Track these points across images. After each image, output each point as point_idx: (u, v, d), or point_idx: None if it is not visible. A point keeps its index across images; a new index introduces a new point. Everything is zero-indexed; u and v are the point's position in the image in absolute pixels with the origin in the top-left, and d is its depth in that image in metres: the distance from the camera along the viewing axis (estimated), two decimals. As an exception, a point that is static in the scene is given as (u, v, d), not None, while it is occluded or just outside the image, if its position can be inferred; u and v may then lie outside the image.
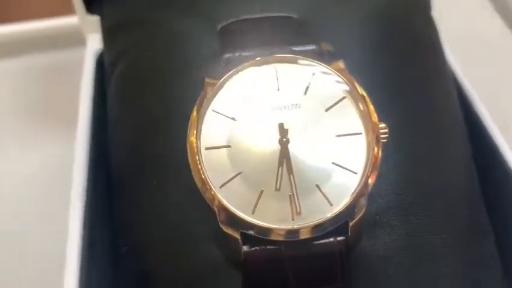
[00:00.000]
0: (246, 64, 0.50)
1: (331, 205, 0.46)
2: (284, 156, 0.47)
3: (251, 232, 0.45)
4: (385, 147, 0.48)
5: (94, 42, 0.73)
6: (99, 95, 0.67)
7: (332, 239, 0.45)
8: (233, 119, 0.48)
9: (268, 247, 0.45)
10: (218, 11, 0.59)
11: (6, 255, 0.71)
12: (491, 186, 0.59)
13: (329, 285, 0.46)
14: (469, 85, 0.66)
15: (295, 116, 0.48)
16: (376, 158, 0.47)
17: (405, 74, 0.60)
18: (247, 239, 0.45)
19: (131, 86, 0.61)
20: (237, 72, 0.50)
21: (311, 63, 0.50)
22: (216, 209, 0.46)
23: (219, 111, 0.49)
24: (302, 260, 0.45)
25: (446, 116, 0.60)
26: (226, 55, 0.51)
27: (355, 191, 0.46)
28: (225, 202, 0.45)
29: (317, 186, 0.46)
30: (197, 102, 0.49)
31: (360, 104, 0.49)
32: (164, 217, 0.53)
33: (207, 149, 0.47)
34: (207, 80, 0.50)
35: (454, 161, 0.57)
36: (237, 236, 0.45)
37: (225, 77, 0.49)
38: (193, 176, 0.47)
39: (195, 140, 0.47)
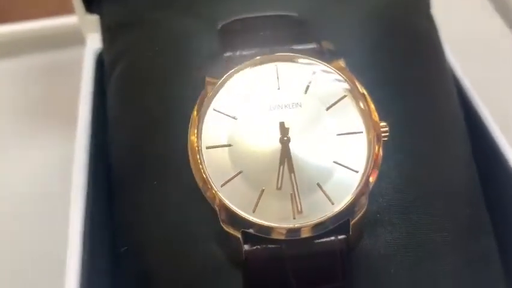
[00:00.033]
0: (246, 63, 0.50)
1: (332, 204, 0.46)
2: (285, 155, 0.47)
3: (252, 231, 0.45)
4: (386, 146, 0.48)
5: (94, 42, 0.73)
6: (99, 95, 0.67)
7: (333, 238, 0.45)
8: (234, 118, 0.48)
9: (270, 246, 0.45)
10: (218, 11, 0.59)
11: (6, 255, 0.71)
12: (491, 185, 0.59)
13: (330, 284, 0.46)
14: (469, 84, 0.66)
15: (296, 114, 0.48)
16: (377, 156, 0.47)
17: (405, 74, 0.60)
18: (248, 238, 0.45)
19: (131, 85, 0.61)
20: (238, 71, 0.50)
21: (312, 61, 0.50)
22: (217, 208, 0.46)
23: (220, 111, 0.49)
24: (303, 259, 0.45)
25: (447, 115, 0.60)
26: (227, 54, 0.51)
27: (356, 189, 0.46)
28: (226, 201, 0.46)
29: (318, 185, 0.46)
30: (198, 101, 0.49)
31: (360, 102, 0.49)
32: (164, 217, 0.53)
33: (208, 148, 0.47)
34: (207, 79, 0.50)
35: (455, 159, 0.57)
36: (238, 235, 0.45)
37: (226, 76, 0.49)
38: (194, 175, 0.47)
39: (195, 139, 0.47)
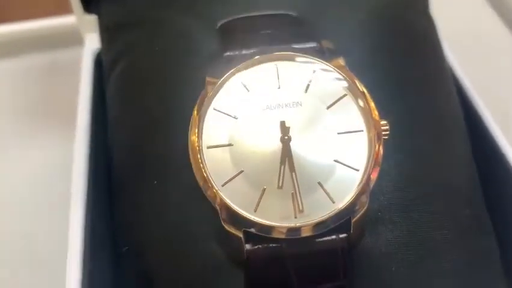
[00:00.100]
0: (246, 62, 0.50)
1: (333, 202, 0.46)
2: (286, 154, 0.47)
3: (253, 230, 0.45)
4: (386, 146, 0.48)
5: (92, 42, 0.73)
6: (98, 95, 0.67)
7: (334, 236, 0.45)
8: (234, 117, 0.48)
9: (271, 245, 0.45)
10: (218, 11, 0.59)
11: (6, 255, 0.71)
12: (491, 184, 0.59)
13: (331, 283, 0.46)
14: (469, 84, 0.66)
15: (297, 114, 0.48)
16: (377, 155, 0.47)
17: (405, 74, 0.60)
18: (249, 237, 0.45)
19: (131, 85, 0.61)
20: (238, 70, 0.50)
21: (311, 60, 0.50)
22: (218, 208, 0.46)
23: (220, 110, 0.49)
24: (305, 258, 0.46)
25: (447, 114, 0.60)
26: (227, 54, 0.51)
27: (357, 188, 0.46)
28: (228, 200, 0.46)
29: (319, 183, 0.46)
30: (198, 101, 0.49)
31: (360, 100, 0.49)
32: (164, 217, 0.53)
33: (209, 147, 0.47)
34: (207, 79, 0.50)
35: (455, 159, 0.58)
36: (240, 234, 0.45)
37: (226, 75, 0.50)
38: (195, 175, 0.47)
39: (196, 139, 0.47)
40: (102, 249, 0.57)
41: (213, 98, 0.49)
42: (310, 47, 0.52)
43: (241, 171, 0.46)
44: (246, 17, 0.54)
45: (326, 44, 0.52)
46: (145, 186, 0.55)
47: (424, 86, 0.60)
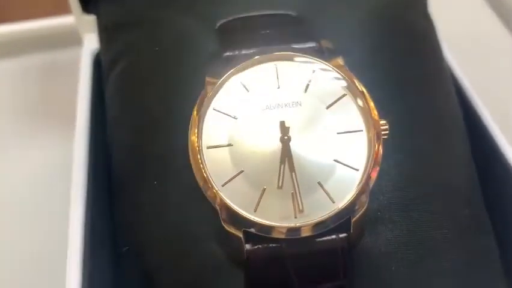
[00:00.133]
0: (246, 62, 0.50)
1: (333, 202, 0.46)
2: (286, 154, 0.47)
3: (253, 230, 0.45)
4: (386, 145, 0.48)
5: (91, 42, 0.73)
6: (97, 95, 0.67)
7: (334, 236, 0.45)
8: (234, 117, 0.48)
9: (271, 245, 0.45)
10: (218, 11, 0.59)
11: (6, 255, 0.71)
12: (490, 184, 0.60)
13: (331, 282, 0.46)
14: (468, 84, 0.66)
15: (296, 113, 0.48)
16: (377, 154, 0.47)
17: (405, 74, 0.60)
18: (249, 237, 0.45)
19: (131, 85, 0.61)
20: (237, 70, 0.50)
21: (311, 60, 0.50)
22: (218, 208, 0.46)
23: (220, 110, 0.49)
24: (305, 258, 0.46)
25: (446, 114, 0.60)
26: (226, 54, 0.51)
27: (357, 187, 0.46)
28: (228, 201, 0.46)
29: (319, 183, 0.46)
30: (197, 101, 0.49)
31: (359, 100, 0.49)
32: (164, 217, 0.53)
33: (209, 148, 0.47)
34: (207, 79, 0.50)
35: (454, 158, 0.58)
36: (240, 234, 0.45)
37: (225, 75, 0.50)
38: (195, 175, 0.47)
39: (196, 139, 0.47)
40: (102, 247, 0.57)
41: (213, 98, 0.49)
42: (310, 47, 0.52)
43: (241, 172, 0.46)
44: (245, 16, 0.54)
45: (325, 43, 0.52)
46: (145, 186, 0.55)
47: (423, 86, 0.60)
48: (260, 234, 0.45)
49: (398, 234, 0.52)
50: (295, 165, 0.47)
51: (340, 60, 0.51)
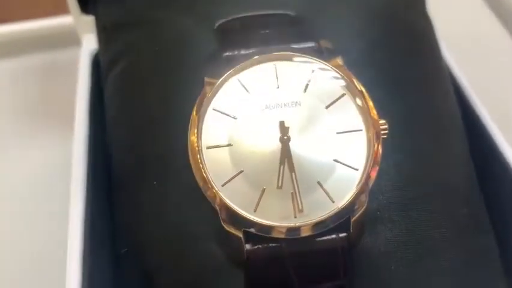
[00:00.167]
0: (245, 62, 0.50)
1: (333, 202, 0.46)
2: (285, 154, 0.47)
3: (253, 230, 0.45)
4: (385, 145, 0.48)
5: (89, 43, 0.73)
6: (95, 95, 0.67)
7: (334, 236, 0.45)
8: (233, 117, 0.48)
9: (271, 245, 0.45)
10: (218, 11, 0.59)
11: (6, 255, 0.71)
12: (489, 183, 0.60)
13: (331, 282, 0.46)
14: (466, 83, 0.66)
15: (296, 113, 0.48)
16: (376, 154, 0.47)
17: (404, 74, 0.60)
18: (249, 237, 0.45)
19: (131, 85, 0.61)
20: (237, 70, 0.50)
21: (310, 60, 0.50)
22: (217, 208, 0.46)
23: (220, 110, 0.49)
24: (305, 257, 0.46)
25: (445, 113, 0.60)
26: (226, 54, 0.51)
27: (356, 187, 0.46)
28: (227, 201, 0.46)
29: (319, 183, 0.46)
30: (197, 101, 0.49)
31: (358, 99, 0.49)
32: (164, 217, 0.53)
33: (208, 148, 0.47)
34: (206, 79, 0.50)
35: (453, 158, 0.58)
36: (239, 234, 0.45)
37: (225, 76, 0.50)
38: (195, 175, 0.47)
39: (195, 139, 0.47)
40: (102, 247, 0.57)
41: (212, 98, 0.49)
42: (309, 47, 0.51)
43: (241, 172, 0.47)
44: (244, 16, 0.54)
45: (325, 43, 0.52)
46: (144, 186, 0.55)
47: (422, 85, 0.60)
48: (260, 234, 0.45)
49: (397, 234, 0.52)
50: (294, 165, 0.47)
51: (339, 60, 0.51)
